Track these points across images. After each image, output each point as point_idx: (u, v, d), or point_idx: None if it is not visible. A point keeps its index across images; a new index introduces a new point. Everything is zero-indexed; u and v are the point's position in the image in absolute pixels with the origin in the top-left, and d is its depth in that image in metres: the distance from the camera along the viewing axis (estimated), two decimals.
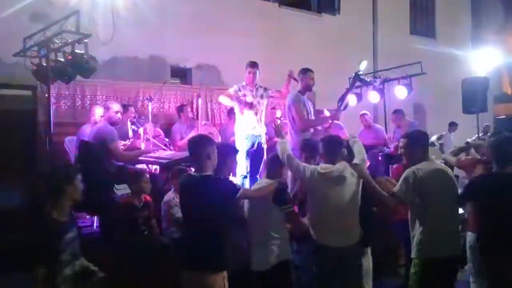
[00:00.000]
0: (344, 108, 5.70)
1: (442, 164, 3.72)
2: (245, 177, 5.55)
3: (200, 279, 3.11)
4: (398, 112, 7.61)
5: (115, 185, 4.94)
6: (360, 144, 3.80)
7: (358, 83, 6.12)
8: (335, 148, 3.62)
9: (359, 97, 8.34)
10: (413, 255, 3.42)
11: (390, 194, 3.44)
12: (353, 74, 5.49)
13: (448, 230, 3.36)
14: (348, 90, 5.82)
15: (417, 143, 3.56)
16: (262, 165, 5.75)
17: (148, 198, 4.55)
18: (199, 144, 3.28)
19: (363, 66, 5.58)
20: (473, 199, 3.55)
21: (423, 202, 3.35)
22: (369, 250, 4.00)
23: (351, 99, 8.43)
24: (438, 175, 3.40)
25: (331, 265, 3.45)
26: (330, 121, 5.50)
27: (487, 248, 3.42)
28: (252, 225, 3.62)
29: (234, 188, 3.28)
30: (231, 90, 5.71)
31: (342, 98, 5.65)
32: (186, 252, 3.26)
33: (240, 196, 3.27)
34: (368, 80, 5.95)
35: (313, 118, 5.62)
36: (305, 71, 5.51)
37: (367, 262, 3.94)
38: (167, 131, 6.95)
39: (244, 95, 5.62)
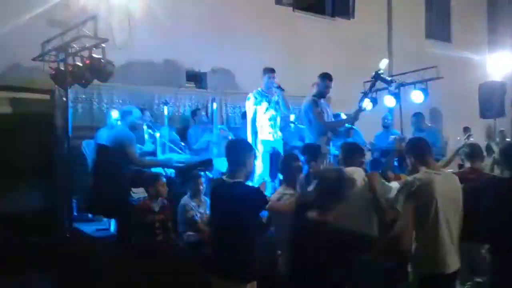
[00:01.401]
0: (364, 109, 5.60)
1: (447, 172, 3.52)
2: (263, 181, 5.56)
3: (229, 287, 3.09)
4: (418, 116, 7.52)
5: (132, 189, 4.97)
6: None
7: (377, 85, 5.97)
8: (353, 154, 3.60)
9: (375, 101, 8.28)
10: (410, 269, 3.25)
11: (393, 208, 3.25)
12: (373, 73, 5.38)
13: (448, 243, 3.13)
14: (368, 90, 5.69)
15: (409, 151, 3.46)
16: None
17: (165, 201, 4.57)
18: (236, 150, 3.21)
19: (384, 64, 5.48)
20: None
21: (421, 213, 3.14)
22: None
23: (367, 103, 8.39)
24: (439, 184, 3.17)
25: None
26: (349, 124, 5.38)
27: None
28: (279, 230, 3.61)
29: (264, 199, 3.20)
30: (248, 106, 5.72)
31: (363, 98, 5.57)
32: (216, 259, 3.21)
33: (268, 208, 3.26)
34: (389, 78, 5.80)
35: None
36: (323, 77, 5.46)
37: None
38: (183, 135, 6.98)
39: (260, 102, 5.64)
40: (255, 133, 5.74)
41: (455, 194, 3.23)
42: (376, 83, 5.65)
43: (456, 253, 3.18)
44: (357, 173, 3.44)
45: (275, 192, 4.07)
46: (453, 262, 3.15)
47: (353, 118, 5.35)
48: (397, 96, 7.65)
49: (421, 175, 3.22)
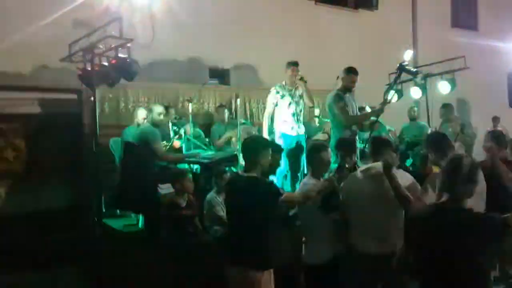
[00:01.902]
0: (389, 102, 5.50)
1: None
2: (285, 175, 5.56)
3: (244, 276, 3.18)
4: (448, 106, 7.38)
5: (159, 184, 5.05)
6: None
7: (402, 77, 5.84)
8: (381, 148, 3.53)
9: (400, 93, 8.17)
10: None
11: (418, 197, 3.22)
12: (398, 65, 5.28)
13: None
14: (393, 82, 5.59)
15: (429, 146, 3.50)
16: (302, 163, 5.75)
17: (191, 197, 4.63)
18: (252, 145, 3.36)
19: (408, 55, 5.38)
20: None
21: None
22: None
23: (392, 95, 8.27)
24: None
25: (371, 271, 3.33)
26: (375, 117, 5.29)
27: None
28: (303, 221, 3.63)
29: (277, 192, 3.29)
30: (269, 100, 5.72)
31: (388, 91, 5.48)
32: (231, 248, 3.34)
33: (282, 201, 3.28)
34: (415, 70, 5.66)
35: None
36: (348, 71, 5.39)
37: None
38: (207, 131, 7.05)
39: (283, 96, 5.63)
40: (271, 129, 5.72)
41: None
42: (401, 75, 5.53)
43: None
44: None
45: (301, 184, 4.08)
46: None
47: (378, 111, 5.25)
48: (423, 87, 7.54)
49: None
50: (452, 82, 7.39)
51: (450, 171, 2.57)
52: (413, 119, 7.72)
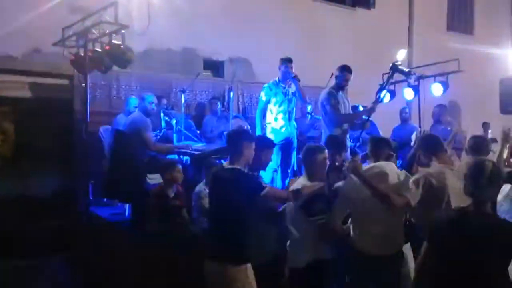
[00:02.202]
0: (381, 101, 5.48)
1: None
2: (275, 171, 5.56)
3: (221, 271, 3.15)
4: (441, 107, 7.39)
5: (148, 174, 5.02)
6: None
7: (395, 77, 5.82)
8: (381, 147, 3.53)
9: (393, 93, 8.18)
10: None
11: (401, 195, 3.23)
12: (391, 65, 5.27)
13: None
14: (386, 82, 5.57)
15: (419, 146, 3.52)
16: (292, 159, 5.75)
17: (180, 188, 4.61)
18: (235, 138, 3.34)
19: (401, 55, 5.36)
20: None
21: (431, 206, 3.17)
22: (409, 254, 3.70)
23: (385, 95, 8.28)
24: (451, 178, 3.17)
25: (368, 273, 3.32)
26: (366, 116, 5.29)
27: None
28: (288, 221, 3.59)
29: (259, 185, 3.28)
30: (262, 96, 5.70)
31: (381, 90, 5.47)
32: (210, 242, 3.33)
33: (265, 195, 3.25)
34: (407, 70, 5.65)
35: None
36: (342, 70, 5.37)
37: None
38: (199, 123, 7.02)
39: (276, 93, 5.61)
40: (263, 125, 5.70)
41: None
42: (394, 75, 5.52)
43: None
44: (389, 167, 3.40)
45: (291, 181, 4.06)
46: None
47: (369, 110, 5.25)
48: (416, 89, 7.55)
49: (432, 169, 3.24)
50: (445, 85, 7.42)
51: (472, 175, 2.54)
52: (404, 120, 7.74)
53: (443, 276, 2.55)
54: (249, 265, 3.20)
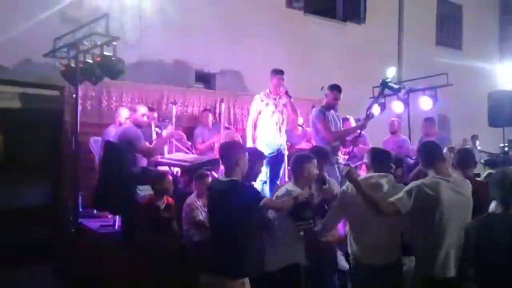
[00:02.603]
0: (372, 117, 5.55)
1: (458, 178, 3.39)
2: (265, 182, 5.55)
3: (219, 285, 3.13)
4: (430, 120, 7.46)
5: (138, 186, 4.99)
6: None
7: (386, 91, 5.90)
8: (381, 160, 3.55)
9: (383, 106, 8.26)
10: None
11: (390, 202, 3.21)
12: (381, 81, 5.36)
13: (447, 249, 3.12)
14: (376, 98, 5.68)
15: (418, 155, 3.54)
16: (281, 171, 5.76)
17: (170, 199, 4.59)
18: (229, 150, 3.36)
19: (391, 73, 5.47)
20: None
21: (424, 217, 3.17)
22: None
23: (375, 109, 8.36)
24: (445, 190, 3.14)
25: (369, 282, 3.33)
26: (358, 130, 5.36)
27: None
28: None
29: (258, 195, 3.30)
30: (253, 107, 5.71)
31: (371, 107, 5.55)
32: (208, 255, 3.31)
33: (263, 206, 3.27)
34: (397, 87, 5.75)
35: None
36: (332, 88, 5.43)
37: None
38: (190, 135, 7.01)
39: (267, 104, 5.64)
40: (254, 136, 5.71)
41: (462, 200, 3.20)
42: (383, 91, 5.62)
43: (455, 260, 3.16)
44: (386, 179, 3.42)
45: (277, 186, 4.07)
46: (450, 269, 3.13)
47: (360, 126, 5.34)
48: (405, 102, 7.65)
49: (428, 180, 3.21)
50: (434, 98, 7.51)
51: (498, 182, 2.90)
52: (393, 132, 7.79)
53: (484, 280, 2.88)
54: (247, 279, 3.19)
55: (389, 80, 5.31)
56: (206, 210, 4.84)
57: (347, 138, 5.49)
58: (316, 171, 3.67)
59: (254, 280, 3.37)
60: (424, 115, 7.76)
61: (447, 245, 3.10)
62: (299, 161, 3.65)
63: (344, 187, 3.52)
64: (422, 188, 3.12)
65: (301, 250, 3.48)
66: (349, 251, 3.49)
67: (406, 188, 3.21)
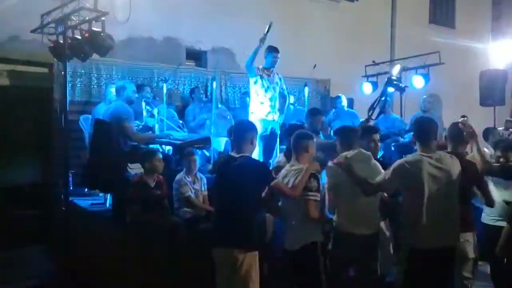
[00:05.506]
0: (377, 117, 5.39)
1: (442, 154, 3.42)
2: None
3: (231, 256, 3.20)
4: (434, 97, 7.43)
5: (129, 164, 4.97)
6: None
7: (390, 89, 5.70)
8: (349, 137, 3.69)
9: (375, 85, 8.26)
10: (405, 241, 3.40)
11: (376, 184, 3.37)
12: (386, 80, 5.26)
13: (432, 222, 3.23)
14: (380, 97, 5.42)
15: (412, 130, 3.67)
16: (275, 150, 5.76)
17: (161, 177, 4.58)
18: (244, 129, 3.49)
19: (397, 70, 5.41)
20: None
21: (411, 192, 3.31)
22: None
23: (366, 87, 8.34)
24: (428, 166, 3.24)
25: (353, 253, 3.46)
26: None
27: None
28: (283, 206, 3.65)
29: (270, 173, 3.44)
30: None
31: (373, 106, 5.33)
32: (220, 229, 3.37)
33: (272, 187, 3.35)
34: (402, 85, 5.59)
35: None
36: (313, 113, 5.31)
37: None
38: (181, 113, 6.97)
39: (261, 77, 5.61)
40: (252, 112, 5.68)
41: (447, 175, 3.27)
42: (387, 90, 5.38)
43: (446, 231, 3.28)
44: (363, 155, 3.57)
45: (278, 164, 4.11)
46: (437, 240, 3.24)
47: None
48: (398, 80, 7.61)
49: (411, 157, 3.32)
50: (426, 77, 7.51)
51: None
52: (386, 112, 7.79)
53: None
54: (256, 253, 3.28)
55: (394, 78, 5.24)
56: (196, 187, 4.87)
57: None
58: (313, 148, 3.70)
59: (278, 259, 3.58)
60: (417, 94, 7.77)
61: (431, 218, 3.21)
62: (300, 138, 3.65)
63: (330, 163, 3.57)
64: (404, 166, 3.26)
65: (317, 228, 3.54)
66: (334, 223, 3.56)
67: (392, 167, 3.35)
